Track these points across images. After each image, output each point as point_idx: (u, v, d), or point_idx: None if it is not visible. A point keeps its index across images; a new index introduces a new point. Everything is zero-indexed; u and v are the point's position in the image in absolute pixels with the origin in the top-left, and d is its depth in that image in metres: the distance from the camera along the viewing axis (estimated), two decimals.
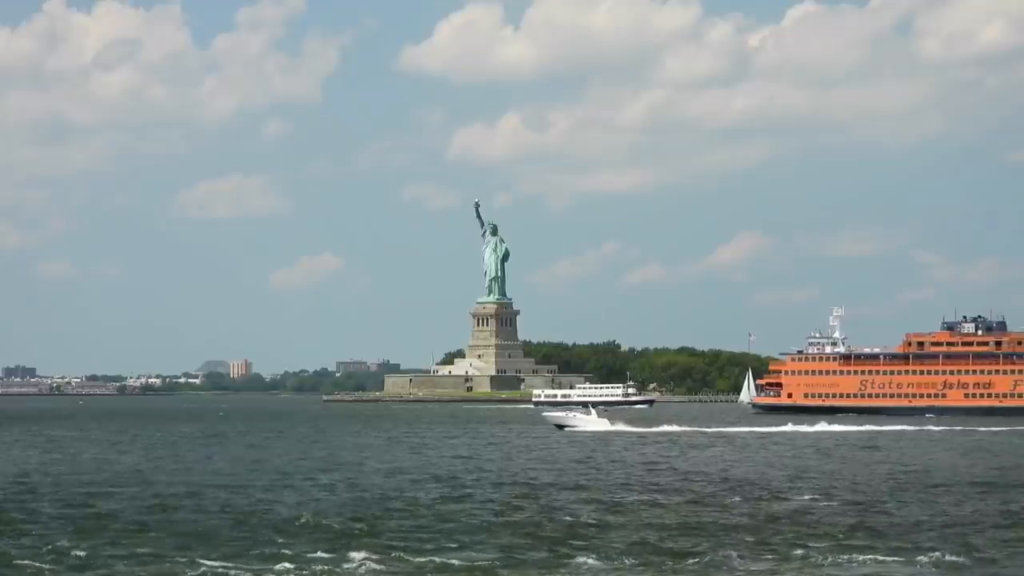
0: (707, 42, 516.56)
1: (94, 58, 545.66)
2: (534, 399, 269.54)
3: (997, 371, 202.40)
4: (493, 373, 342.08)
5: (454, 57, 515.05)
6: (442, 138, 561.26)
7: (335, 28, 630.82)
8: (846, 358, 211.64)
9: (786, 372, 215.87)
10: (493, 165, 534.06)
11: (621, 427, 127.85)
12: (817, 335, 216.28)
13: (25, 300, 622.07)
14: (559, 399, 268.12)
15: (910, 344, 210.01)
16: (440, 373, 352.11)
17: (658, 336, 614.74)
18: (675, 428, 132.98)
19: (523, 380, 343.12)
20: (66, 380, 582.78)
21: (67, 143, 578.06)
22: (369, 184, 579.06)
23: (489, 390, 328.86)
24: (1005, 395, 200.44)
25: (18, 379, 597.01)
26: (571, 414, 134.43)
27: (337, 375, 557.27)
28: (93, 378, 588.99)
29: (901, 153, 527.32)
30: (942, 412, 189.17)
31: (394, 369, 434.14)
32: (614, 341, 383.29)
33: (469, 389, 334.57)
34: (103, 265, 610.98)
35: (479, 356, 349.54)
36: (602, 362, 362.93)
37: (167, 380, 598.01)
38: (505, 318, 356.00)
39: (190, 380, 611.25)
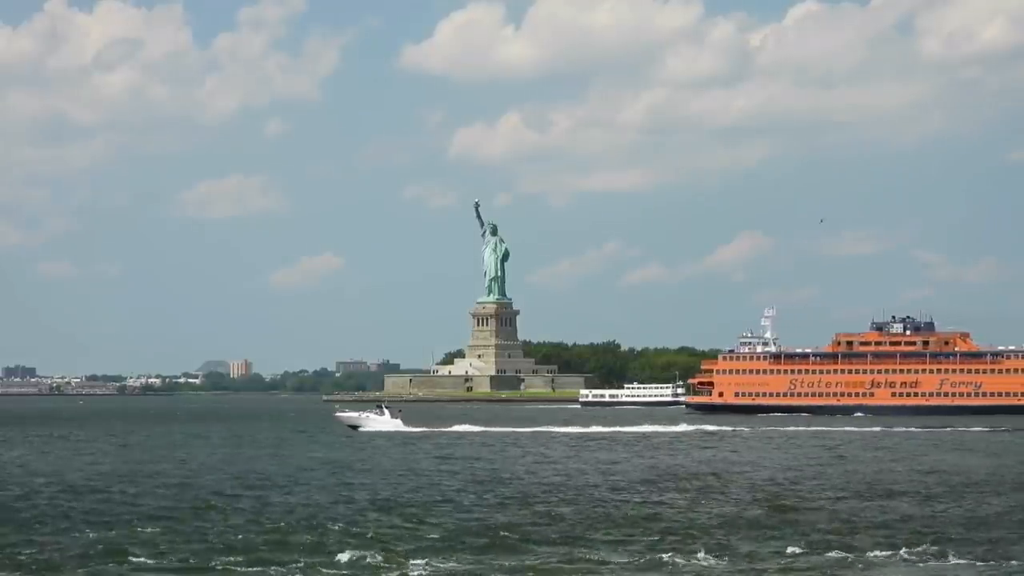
0: (708, 41, 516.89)
1: (95, 57, 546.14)
2: (581, 399, 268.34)
3: (924, 370, 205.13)
4: (493, 373, 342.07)
5: (455, 56, 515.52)
6: (442, 137, 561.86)
7: (336, 27, 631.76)
8: (776, 357, 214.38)
9: (717, 371, 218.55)
10: (493, 165, 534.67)
11: (414, 427, 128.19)
12: (749, 335, 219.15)
13: (25, 300, 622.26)
14: (607, 399, 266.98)
15: (839, 344, 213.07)
16: (440, 373, 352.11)
17: (658, 336, 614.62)
18: (467, 428, 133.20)
19: (523, 380, 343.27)
20: (66, 380, 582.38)
21: (67, 143, 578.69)
22: (370, 183, 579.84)
23: (489, 390, 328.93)
24: (932, 394, 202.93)
25: (18, 379, 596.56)
26: (364, 415, 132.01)
27: (337, 375, 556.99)
28: (93, 378, 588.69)
29: (901, 153, 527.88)
30: (870, 411, 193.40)
31: (394, 369, 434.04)
32: (614, 341, 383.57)
33: (469, 389, 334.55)
34: (103, 265, 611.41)
35: (479, 356, 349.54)
36: (602, 362, 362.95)
37: (167, 380, 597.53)
38: (505, 318, 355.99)
39: (190, 380, 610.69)
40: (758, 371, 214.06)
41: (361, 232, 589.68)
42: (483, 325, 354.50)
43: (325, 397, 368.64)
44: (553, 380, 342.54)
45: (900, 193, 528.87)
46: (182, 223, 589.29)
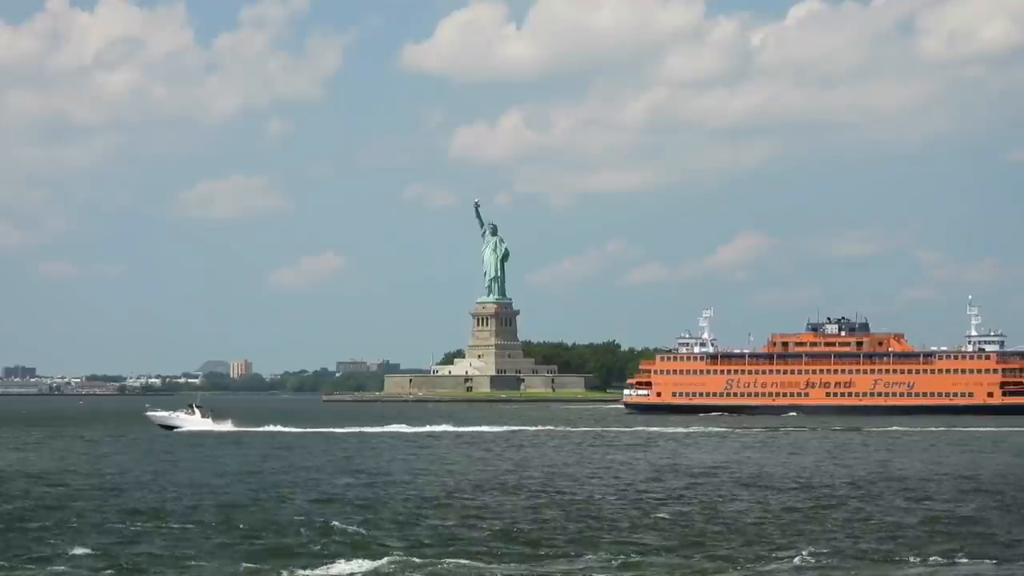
0: (709, 41, 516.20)
1: (96, 57, 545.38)
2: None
3: (858, 371, 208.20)
4: (493, 373, 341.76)
5: (456, 56, 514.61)
6: (443, 137, 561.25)
7: (338, 27, 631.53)
8: (713, 358, 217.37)
9: (655, 371, 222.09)
10: (494, 164, 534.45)
11: (225, 427, 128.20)
12: (687, 335, 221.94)
13: (25, 300, 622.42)
14: None
15: (775, 344, 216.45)
16: (440, 373, 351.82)
17: (658, 336, 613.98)
18: (277, 428, 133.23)
19: (523, 380, 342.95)
20: (66, 380, 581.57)
21: (68, 142, 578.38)
22: (370, 183, 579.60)
23: (489, 390, 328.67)
24: (865, 394, 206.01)
25: (18, 379, 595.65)
26: (175, 414, 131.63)
27: (337, 375, 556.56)
28: (93, 378, 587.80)
29: (902, 153, 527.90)
30: (805, 411, 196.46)
31: (394, 369, 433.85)
32: (614, 341, 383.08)
33: (469, 389, 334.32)
34: (103, 265, 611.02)
35: (479, 356, 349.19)
36: (602, 362, 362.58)
37: (167, 380, 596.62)
38: (505, 318, 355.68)
39: (190, 380, 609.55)
40: (695, 371, 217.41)
41: (361, 232, 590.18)
42: (483, 325, 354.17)
43: (325, 397, 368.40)
44: (553, 380, 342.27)
45: (900, 193, 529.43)
46: (182, 223, 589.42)
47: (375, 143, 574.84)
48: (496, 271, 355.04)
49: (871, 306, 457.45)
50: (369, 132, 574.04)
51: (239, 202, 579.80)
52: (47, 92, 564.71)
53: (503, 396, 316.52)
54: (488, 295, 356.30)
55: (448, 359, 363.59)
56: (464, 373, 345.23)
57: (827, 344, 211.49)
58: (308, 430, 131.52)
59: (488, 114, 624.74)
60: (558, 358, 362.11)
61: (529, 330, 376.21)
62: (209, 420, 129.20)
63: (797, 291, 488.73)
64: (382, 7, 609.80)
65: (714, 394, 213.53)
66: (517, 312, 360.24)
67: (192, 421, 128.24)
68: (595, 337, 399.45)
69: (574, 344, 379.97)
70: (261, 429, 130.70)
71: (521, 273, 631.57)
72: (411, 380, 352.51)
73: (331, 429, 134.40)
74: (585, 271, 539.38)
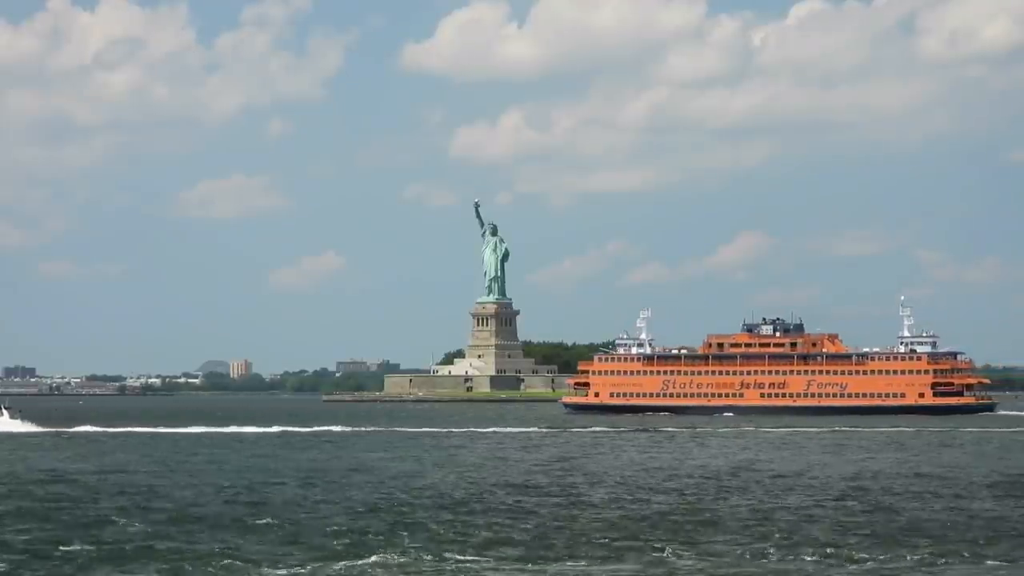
0: (710, 41, 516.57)
1: (96, 57, 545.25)
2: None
3: (792, 371, 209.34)
4: (493, 373, 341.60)
5: (456, 55, 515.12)
6: (443, 137, 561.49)
7: (339, 27, 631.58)
8: (649, 359, 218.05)
9: (593, 372, 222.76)
10: (494, 164, 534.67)
11: (33, 428, 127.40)
12: (625, 336, 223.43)
13: (25, 300, 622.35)
14: None
15: (711, 345, 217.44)
16: (440, 373, 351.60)
17: (659, 336, 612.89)
18: (89, 429, 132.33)
19: (523, 380, 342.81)
20: (66, 380, 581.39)
21: (68, 142, 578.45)
22: (371, 183, 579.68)
23: (489, 390, 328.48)
24: (799, 395, 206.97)
25: (18, 379, 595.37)
26: None
27: (337, 375, 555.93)
28: (93, 378, 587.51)
29: (902, 152, 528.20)
30: (739, 411, 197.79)
31: (394, 369, 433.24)
32: (614, 341, 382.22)
33: (469, 389, 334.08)
34: (103, 265, 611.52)
35: (479, 356, 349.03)
36: None
37: (167, 380, 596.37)
38: (505, 318, 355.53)
39: (190, 380, 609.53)
40: (632, 372, 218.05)
41: (361, 232, 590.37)
42: (483, 325, 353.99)
43: (325, 397, 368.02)
44: (553, 380, 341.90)
45: (900, 193, 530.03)
46: (182, 223, 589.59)
47: (375, 143, 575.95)
48: (496, 271, 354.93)
49: (872, 306, 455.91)
50: (369, 132, 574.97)
51: (239, 202, 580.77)
52: (47, 92, 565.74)
53: (503, 396, 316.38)
54: (488, 295, 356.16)
55: (448, 359, 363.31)
56: (464, 373, 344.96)
57: (761, 345, 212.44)
58: (115, 430, 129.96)
59: (488, 114, 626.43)
60: (558, 358, 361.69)
61: (529, 330, 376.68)
62: (17, 421, 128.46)
63: (797, 291, 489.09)
64: (383, 7, 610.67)
65: (651, 395, 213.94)
66: (517, 312, 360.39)
67: (1, 422, 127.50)
68: (595, 337, 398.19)
69: (574, 344, 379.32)
70: (70, 430, 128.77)
71: (521, 273, 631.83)
72: (411, 380, 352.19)
73: (167, 430, 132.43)
74: (585, 271, 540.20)
